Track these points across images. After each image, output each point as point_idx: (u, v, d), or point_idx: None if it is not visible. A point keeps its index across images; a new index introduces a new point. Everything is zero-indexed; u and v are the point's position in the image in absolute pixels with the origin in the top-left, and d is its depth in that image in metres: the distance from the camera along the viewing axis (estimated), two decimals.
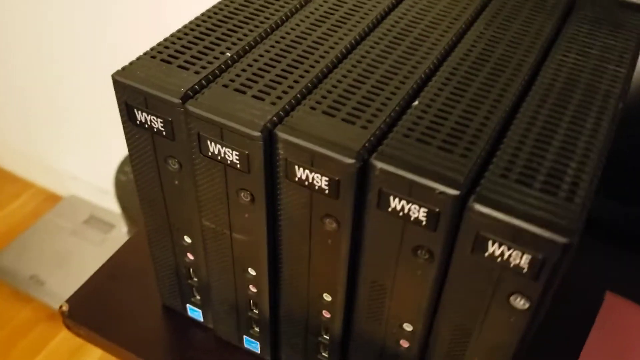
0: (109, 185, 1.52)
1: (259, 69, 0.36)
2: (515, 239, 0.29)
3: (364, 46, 0.38)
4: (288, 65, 0.36)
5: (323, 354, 0.43)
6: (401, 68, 0.36)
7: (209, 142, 0.34)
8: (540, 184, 0.30)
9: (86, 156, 1.53)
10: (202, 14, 0.40)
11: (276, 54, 0.37)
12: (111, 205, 1.57)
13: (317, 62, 0.36)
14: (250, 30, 0.38)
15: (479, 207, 0.29)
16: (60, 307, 0.48)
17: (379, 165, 0.31)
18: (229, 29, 0.38)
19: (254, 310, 0.43)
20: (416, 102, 0.34)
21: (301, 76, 0.35)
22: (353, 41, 0.38)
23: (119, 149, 1.29)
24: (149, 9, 1.09)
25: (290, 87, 0.35)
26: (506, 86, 0.36)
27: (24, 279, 1.44)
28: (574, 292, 0.52)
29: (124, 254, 0.53)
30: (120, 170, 1.19)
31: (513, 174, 0.30)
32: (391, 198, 0.31)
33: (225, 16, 0.39)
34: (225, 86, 0.34)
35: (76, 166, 1.58)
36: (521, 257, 0.29)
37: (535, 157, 0.31)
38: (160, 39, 0.37)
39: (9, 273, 1.45)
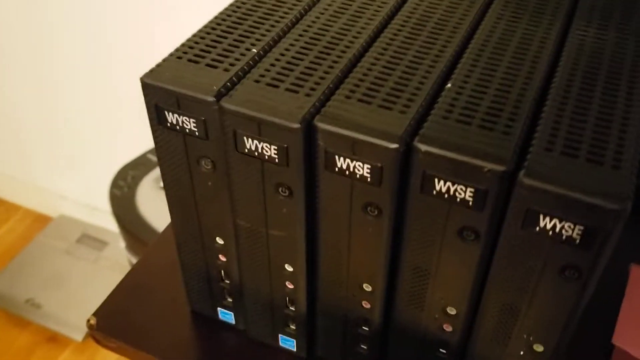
0: (99, 202, 1.51)
1: (288, 62, 0.36)
2: (567, 210, 0.29)
3: (388, 34, 0.38)
4: (316, 57, 0.36)
5: (362, 346, 0.43)
6: (428, 52, 0.36)
7: (245, 138, 0.33)
8: (585, 154, 0.30)
9: (73, 175, 1.51)
10: (221, 13, 0.39)
11: (302, 47, 0.37)
12: (103, 222, 1.55)
13: (344, 52, 0.36)
14: (272, 26, 0.38)
15: (529, 181, 0.29)
16: (88, 320, 0.48)
17: (423, 148, 0.31)
18: (250, 26, 0.38)
19: (290, 308, 0.42)
20: (449, 85, 0.34)
21: (330, 67, 0.35)
22: (376, 29, 0.38)
23: (108, 166, 1.28)
24: (137, 33, 1.08)
25: (322, 78, 0.35)
26: (534, 62, 0.36)
27: (20, 303, 1.42)
28: None
29: (146, 263, 0.53)
30: (115, 184, 1.17)
31: (557, 146, 0.30)
32: (436, 181, 0.31)
33: (244, 13, 0.39)
34: (257, 81, 0.34)
35: (64, 185, 1.56)
36: (573, 229, 0.29)
37: (575, 129, 0.31)
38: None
39: (4, 298, 1.43)
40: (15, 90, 1.38)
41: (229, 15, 0.39)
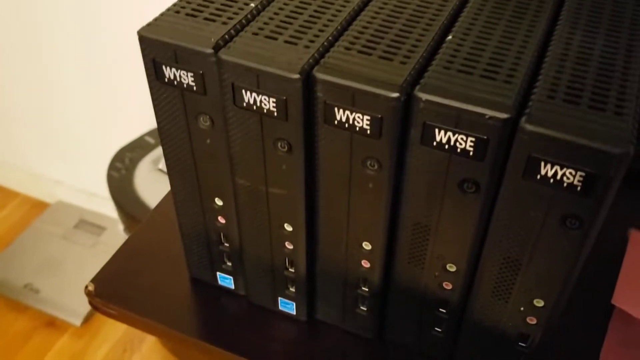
0: (96, 188, 1.50)
1: (287, 16, 0.35)
2: (569, 156, 0.28)
3: None
4: (315, 10, 0.36)
5: (362, 307, 0.42)
6: (430, 5, 0.36)
7: (243, 91, 0.33)
8: (587, 101, 0.30)
9: (71, 161, 1.51)
10: None
11: (301, 1, 0.36)
12: (100, 207, 1.55)
13: (344, 5, 0.36)
14: None
15: (531, 127, 0.29)
16: (86, 287, 0.47)
17: (424, 96, 0.30)
18: None
19: (290, 269, 0.42)
20: (450, 37, 0.34)
21: (330, 19, 0.35)
22: None
23: (105, 152, 1.28)
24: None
25: (321, 30, 0.34)
26: (537, 12, 0.36)
27: (18, 288, 1.42)
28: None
29: (145, 231, 0.53)
30: (112, 167, 1.17)
31: (559, 94, 0.30)
32: (436, 131, 0.31)
33: None
34: (256, 34, 0.34)
35: (61, 171, 1.56)
36: (575, 175, 0.29)
37: (577, 78, 0.31)
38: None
39: (2, 283, 1.42)
40: (9, 76, 1.37)
41: None
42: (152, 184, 1.13)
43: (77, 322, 1.37)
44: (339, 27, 0.35)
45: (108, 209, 1.51)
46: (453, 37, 0.34)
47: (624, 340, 0.43)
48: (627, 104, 0.30)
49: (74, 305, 1.37)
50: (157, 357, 1.34)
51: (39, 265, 1.46)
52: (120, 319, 0.47)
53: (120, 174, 1.16)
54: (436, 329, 0.41)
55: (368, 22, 0.35)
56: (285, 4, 0.36)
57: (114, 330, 1.38)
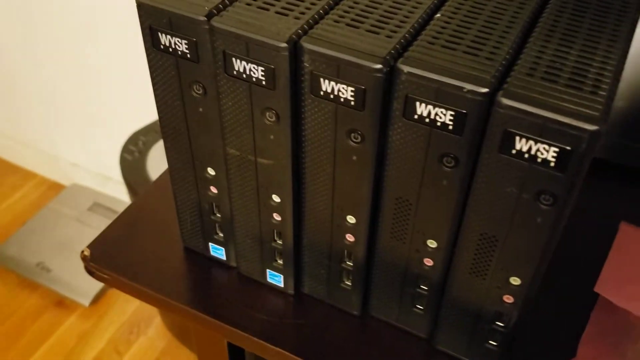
0: (111, 172, 1.53)
1: None
2: (543, 131, 0.29)
3: None
4: None
5: (346, 282, 0.43)
6: None
7: (234, 59, 0.34)
8: (565, 80, 0.30)
9: (87, 144, 1.54)
10: None
11: None
12: (114, 191, 1.57)
13: None
14: None
15: (507, 101, 0.29)
16: (82, 252, 0.49)
17: (406, 69, 0.31)
18: None
19: (278, 241, 0.43)
20: (439, 14, 0.35)
21: None
22: None
23: (120, 136, 1.30)
24: None
25: (313, 3, 0.35)
26: (524, 1, 0.36)
27: (31, 267, 1.45)
28: (592, 224, 0.52)
29: (144, 201, 0.54)
30: (125, 149, 1.19)
31: (539, 72, 0.31)
32: (417, 104, 0.32)
33: None
34: (249, 4, 0.35)
35: (78, 155, 1.59)
36: (548, 150, 0.29)
37: (559, 58, 0.32)
38: None
39: (15, 261, 1.45)
40: (29, 60, 1.40)
41: None
42: (165, 167, 1.15)
43: (86, 302, 1.39)
44: (330, 1, 0.35)
45: (122, 193, 1.54)
46: (442, 15, 0.35)
47: (603, 328, 0.43)
48: (604, 85, 0.30)
49: (84, 286, 1.40)
50: (162, 340, 1.36)
51: (52, 246, 1.49)
52: (113, 285, 0.48)
53: (134, 156, 1.18)
54: (417, 306, 0.42)
55: None
56: None
57: (121, 312, 1.41)
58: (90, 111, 1.43)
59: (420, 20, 0.34)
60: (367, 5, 0.35)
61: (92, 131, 1.49)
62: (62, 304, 1.42)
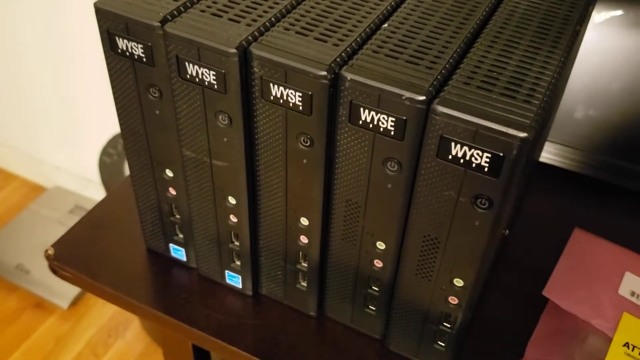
0: (92, 174, 1.53)
1: None
2: (476, 137, 0.30)
3: None
4: None
5: (302, 283, 0.44)
6: None
7: (187, 64, 0.35)
8: (500, 89, 0.32)
9: (69, 147, 1.54)
10: None
11: None
12: (95, 194, 1.58)
13: None
14: None
15: (442, 109, 0.30)
16: (46, 251, 0.50)
17: (350, 76, 0.32)
18: None
19: (235, 242, 0.44)
20: (386, 25, 0.36)
21: (276, 3, 0.37)
22: None
23: (100, 138, 1.30)
24: None
25: (266, 11, 0.36)
26: (472, 11, 0.37)
27: (10, 269, 1.44)
28: (549, 229, 0.54)
29: (109, 202, 0.55)
30: (104, 152, 1.20)
31: (476, 81, 0.32)
32: (361, 110, 0.33)
33: None
34: (203, 11, 0.36)
35: (60, 157, 1.59)
36: (482, 156, 0.31)
37: (497, 67, 0.33)
38: None
39: None
40: (13, 63, 1.40)
41: None
42: None
43: (65, 305, 1.39)
44: (283, 10, 0.37)
45: (103, 195, 1.54)
46: (389, 24, 0.36)
47: (552, 331, 0.44)
48: (538, 94, 0.32)
49: (63, 288, 1.40)
50: (140, 343, 1.36)
51: (32, 248, 1.49)
52: (75, 283, 0.49)
53: (113, 159, 1.19)
54: (370, 307, 0.43)
55: (311, 7, 0.37)
56: None
57: (99, 316, 1.41)
58: (72, 114, 1.44)
59: (367, 29, 0.36)
60: (318, 14, 0.36)
61: (74, 134, 1.49)
62: (41, 306, 1.42)
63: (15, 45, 1.37)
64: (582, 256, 0.48)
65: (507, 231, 0.45)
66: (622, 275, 0.47)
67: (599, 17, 0.54)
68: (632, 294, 0.46)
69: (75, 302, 1.41)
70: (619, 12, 0.54)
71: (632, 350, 0.42)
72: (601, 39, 0.55)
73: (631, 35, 0.54)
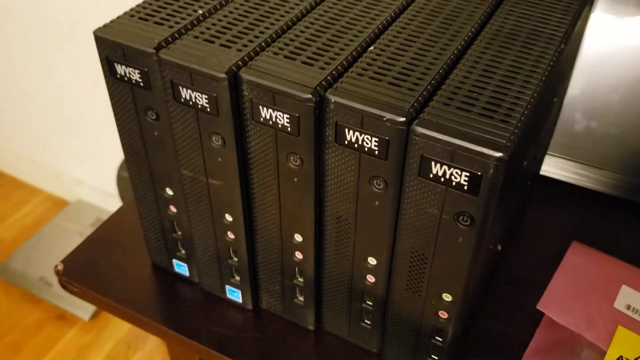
0: (113, 188, 1.56)
1: (229, 23, 0.39)
2: (454, 157, 0.31)
3: (327, 3, 0.41)
4: (255, 19, 0.39)
5: (299, 297, 0.45)
6: (360, 20, 0.39)
7: (181, 87, 0.37)
8: (479, 110, 0.33)
9: (91, 162, 1.57)
10: None
11: (245, 11, 0.40)
12: (116, 207, 1.60)
13: (283, 16, 0.40)
14: None
15: (421, 130, 0.31)
16: (56, 266, 0.51)
17: (334, 98, 0.33)
18: None
19: (234, 258, 0.45)
20: (372, 47, 0.37)
21: (267, 28, 0.38)
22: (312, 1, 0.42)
23: (119, 153, 1.33)
24: None
25: (257, 36, 0.38)
26: (456, 33, 0.38)
27: (34, 281, 1.48)
28: (548, 242, 0.54)
29: (117, 220, 0.56)
30: (122, 167, 1.22)
31: (455, 102, 0.33)
32: (346, 131, 0.34)
33: None
34: (196, 37, 0.38)
35: (82, 172, 1.62)
36: (461, 175, 0.32)
37: (476, 89, 0.34)
38: None
39: (19, 275, 1.49)
40: (35, 79, 1.44)
41: None
42: None
43: (86, 317, 1.42)
44: (273, 34, 0.38)
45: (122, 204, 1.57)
46: (374, 48, 0.37)
47: (547, 344, 0.45)
48: (515, 113, 0.32)
49: (84, 301, 1.42)
50: (158, 355, 1.38)
51: (55, 260, 1.51)
52: (83, 297, 0.51)
53: None
54: (365, 320, 0.44)
55: (300, 32, 0.38)
56: (230, 12, 0.40)
57: (119, 327, 1.43)
58: (94, 131, 1.47)
59: (354, 52, 0.37)
60: (306, 39, 0.38)
61: (96, 149, 1.53)
62: (63, 317, 1.44)
63: (42, 63, 1.41)
64: (578, 269, 0.48)
65: (499, 246, 0.45)
66: (619, 289, 0.47)
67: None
68: (628, 307, 0.46)
69: (96, 314, 1.43)
70: None
71: None
72: (602, 45, 0.55)
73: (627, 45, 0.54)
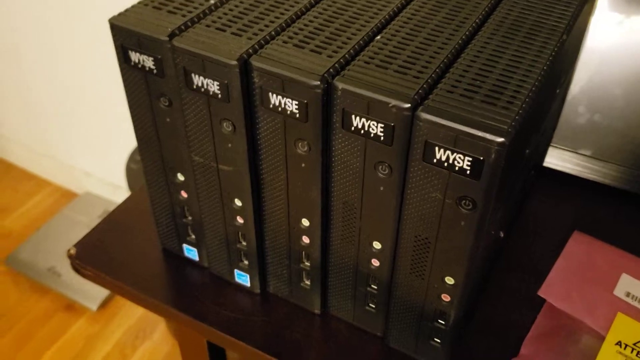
0: (121, 180, 1.58)
1: (240, 12, 0.40)
2: (457, 142, 0.32)
3: None
4: (266, 9, 0.40)
5: (306, 281, 0.47)
6: (367, 10, 0.40)
7: (193, 75, 0.38)
8: (482, 97, 0.34)
9: (100, 154, 1.59)
10: None
11: (256, 0, 0.41)
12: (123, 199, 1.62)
13: (292, 5, 0.41)
14: None
15: (425, 116, 0.33)
16: (69, 250, 0.53)
17: (341, 85, 0.35)
18: None
19: (242, 242, 0.47)
20: (379, 36, 0.38)
21: (277, 17, 0.40)
22: None
23: (127, 146, 1.34)
24: None
25: (267, 25, 0.39)
26: (461, 23, 0.40)
27: (42, 271, 1.50)
28: (551, 231, 0.55)
29: (129, 205, 0.58)
30: (131, 159, 1.24)
31: (459, 89, 0.34)
32: (353, 117, 0.35)
33: None
34: (208, 26, 0.39)
35: (91, 164, 1.64)
36: (463, 160, 0.33)
37: (479, 77, 0.35)
38: None
39: (28, 266, 1.51)
40: (45, 73, 1.46)
41: None
42: None
43: (94, 307, 1.44)
44: (283, 23, 0.39)
45: None
46: (381, 37, 0.38)
47: (547, 330, 0.46)
48: (517, 101, 0.33)
49: (92, 290, 1.44)
50: (166, 345, 1.40)
51: (63, 251, 1.54)
52: (95, 281, 0.52)
53: (139, 166, 1.23)
54: (370, 304, 0.45)
55: (310, 21, 0.39)
56: (241, 1, 0.41)
57: (127, 317, 1.45)
58: (102, 123, 1.49)
59: (361, 41, 0.38)
60: (315, 27, 0.39)
61: (104, 141, 1.54)
62: (71, 307, 1.46)
63: (51, 57, 1.42)
64: (579, 258, 0.49)
65: (502, 233, 0.46)
66: (619, 277, 0.48)
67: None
68: (627, 294, 0.47)
69: (104, 304, 1.45)
70: None
71: (624, 348, 0.43)
72: (607, 40, 0.56)
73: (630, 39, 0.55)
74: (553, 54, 0.37)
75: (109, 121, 1.47)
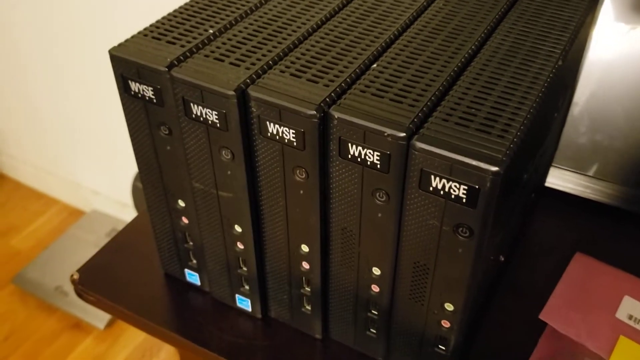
0: (128, 198, 1.59)
1: (238, 42, 0.40)
2: (452, 171, 0.33)
3: (333, 22, 0.43)
4: (263, 38, 0.41)
5: (307, 306, 0.47)
6: (363, 39, 0.41)
7: (192, 104, 0.38)
8: (477, 125, 0.34)
9: (107, 173, 1.60)
10: (190, 0, 0.45)
11: (254, 30, 0.42)
12: (131, 217, 1.63)
13: (289, 35, 0.41)
14: (232, 12, 0.43)
15: (420, 145, 0.33)
16: (72, 275, 0.53)
17: (337, 114, 0.35)
18: (213, 11, 0.43)
19: (243, 268, 0.47)
20: (375, 65, 0.39)
21: (274, 47, 0.40)
22: (324, 18, 0.43)
23: (134, 164, 1.35)
24: None
25: (264, 55, 0.39)
26: (457, 51, 0.40)
27: (49, 290, 1.50)
28: (553, 253, 0.55)
29: (130, 231, 0.58)
30: (138, 178, 1.24)
31: (454, 118, 0.34)
32: (349, 145, 0.36)
33: (211, 0, 0.45)
34: (207, 56, 0.39)
35: (98, 182, 1.65)
36: (459, 188, 0.33)
37: (474, 105, 0.35)
38: None
39: (35, 285, 1.51)
40: (53, 91, 1.47)
41: (197, 2, 0.44)
42: None
43: (101, 325, 1.44)
44: (280, 53, 0.40)
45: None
46: (377, 65, 0.39)
47: (549, 353, 0.45)
48: (512, 129, 0.34)
49: (99, 310, 1.44)
50: None
51: (71, 270, 1.54)
52: (98, 306, 0.52)
53: None
54: (371, 329, 0.45)
55: (306, 50, 0.40)
56: (240, 31, 0.42)
57: (134, 336, 1.45)
58: (109, 142, 1.50)
59: (357, 70, 0.38)
60: (312, 57, 0.39)
61: (111, 160, 1.55)
62: (79, 326, 1.47)
63: (58, 76, 1.44)
64: (581, 280, 0.49)
65: (502, 257, 0.46)
66: (621, 299, 0.48)
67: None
68: (630, 317, 0.47)
69: (111, 323, 1.45)
70: None
71: None
72: (606, 60, 0.56)
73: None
74: (548, 80, 0.38)
75: (116, 140, 1.48)
